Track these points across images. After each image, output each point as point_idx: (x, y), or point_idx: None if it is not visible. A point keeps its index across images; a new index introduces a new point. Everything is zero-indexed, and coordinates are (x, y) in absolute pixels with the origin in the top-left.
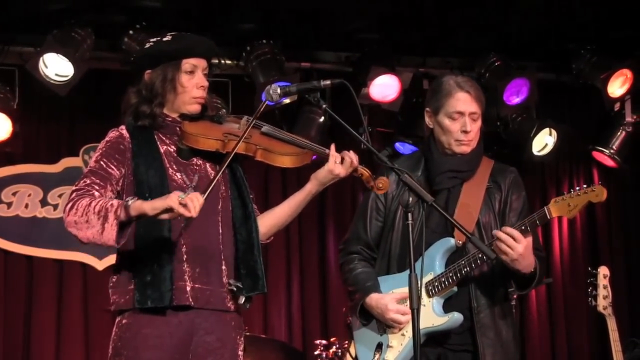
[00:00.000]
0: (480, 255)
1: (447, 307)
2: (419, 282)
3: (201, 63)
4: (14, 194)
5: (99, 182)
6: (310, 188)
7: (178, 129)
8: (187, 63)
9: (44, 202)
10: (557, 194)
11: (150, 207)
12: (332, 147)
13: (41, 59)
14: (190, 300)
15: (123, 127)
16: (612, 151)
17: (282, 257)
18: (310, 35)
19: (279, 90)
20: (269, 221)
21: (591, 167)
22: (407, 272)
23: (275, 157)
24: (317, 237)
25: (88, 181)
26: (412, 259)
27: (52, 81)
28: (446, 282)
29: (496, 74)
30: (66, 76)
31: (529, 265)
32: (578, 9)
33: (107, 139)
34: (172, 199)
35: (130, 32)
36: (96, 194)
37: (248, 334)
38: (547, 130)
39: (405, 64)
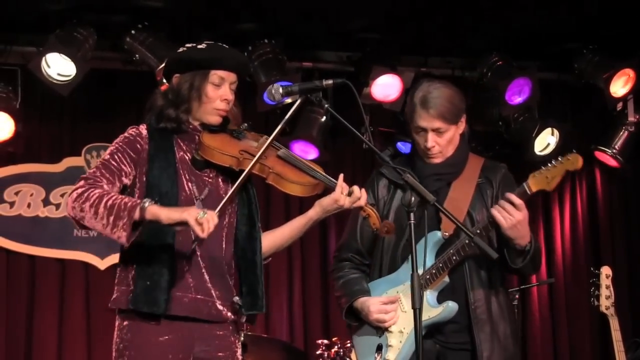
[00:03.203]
0: (467, 242)
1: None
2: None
3: (230, 77)
4: (16, 193)
5: (109, 177)
6: (312, 214)
7: (197, 137)
8: (215, 75)
9: (46, 202)
10: (559, 194)
11: (166, 216)
12: (341, 177)
13: (43, 58)
14: (189, 311)
15: (144, 125)
16: (614, 151)
17: (284, 256)
18: (311, 34)
19: (280, 90)
20: (268, 242)
21: (593, 167)
22: (398, 272)
23: (285, 184)
24: (318, 235)
25: (98, 173)
26: (416, 258)
27: (55, 81)
28: (437, 274)
29: (498, 74)
30: (68, 76)
31: (524, 236)
32: (580, 8)
33: (125, 134)
34: (191, 214)
35: (133, 32)
36: (105, 187)
37: (250, 333)
38: (549, 130)
39: (407, 63)
